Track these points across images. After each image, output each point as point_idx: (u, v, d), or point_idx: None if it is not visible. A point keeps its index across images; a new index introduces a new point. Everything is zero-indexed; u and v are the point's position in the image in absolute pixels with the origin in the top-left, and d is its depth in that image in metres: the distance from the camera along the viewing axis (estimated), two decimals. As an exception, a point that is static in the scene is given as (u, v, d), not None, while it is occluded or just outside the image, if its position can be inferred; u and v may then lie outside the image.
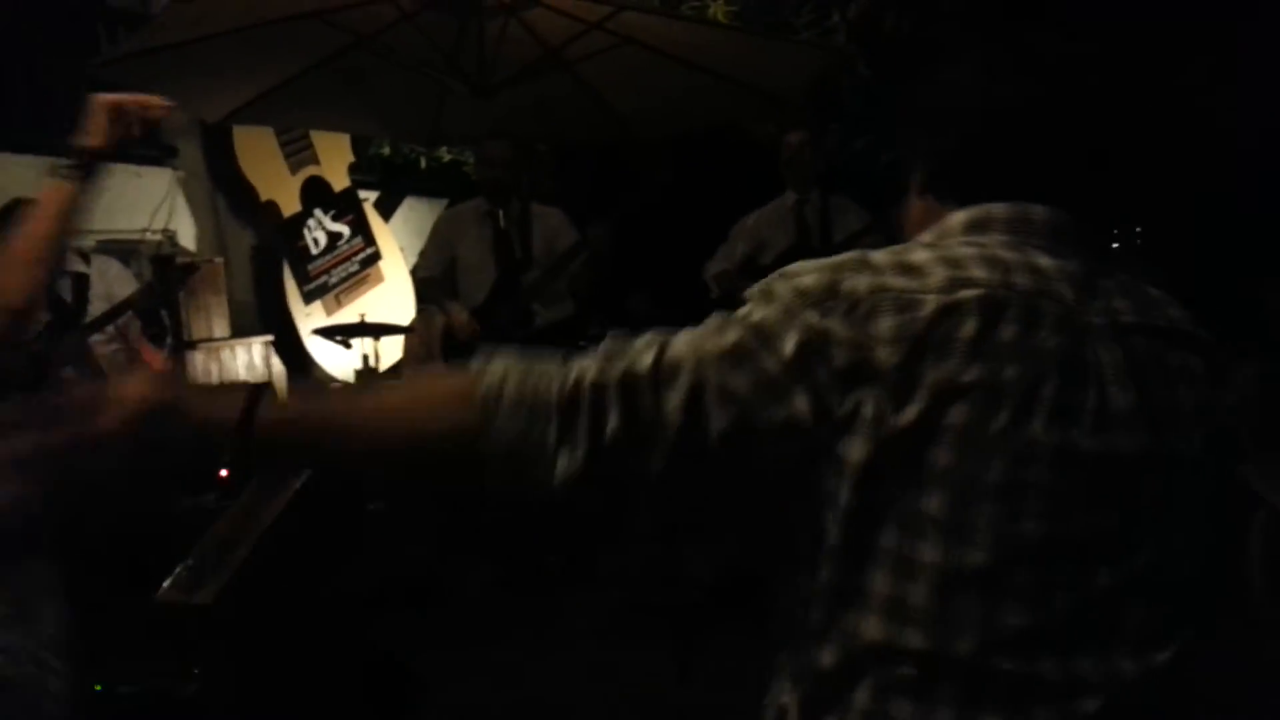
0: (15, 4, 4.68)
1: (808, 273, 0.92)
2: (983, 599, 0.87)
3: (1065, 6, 3.27)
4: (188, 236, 5.58)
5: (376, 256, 6.52)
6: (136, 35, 3.76)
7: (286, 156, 6.10)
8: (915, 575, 0.87)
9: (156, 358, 2.91)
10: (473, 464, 0.91)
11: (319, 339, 4.70)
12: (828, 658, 0.91)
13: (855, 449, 0.87)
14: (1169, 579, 0.90)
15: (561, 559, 4.14)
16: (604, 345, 0.94)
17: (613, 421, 0.89)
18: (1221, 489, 0.93)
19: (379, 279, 6.50)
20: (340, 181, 6.39)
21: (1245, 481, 0.94)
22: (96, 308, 3.61)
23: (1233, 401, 0.93)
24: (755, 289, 0.95)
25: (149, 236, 5.27)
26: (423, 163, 6.92)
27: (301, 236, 6.13)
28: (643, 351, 0.92)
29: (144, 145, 5.37)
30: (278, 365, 5.86)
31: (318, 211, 6.22)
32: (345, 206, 6.39)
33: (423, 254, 4.41)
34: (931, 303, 0.87)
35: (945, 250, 0.93)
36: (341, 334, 4.41)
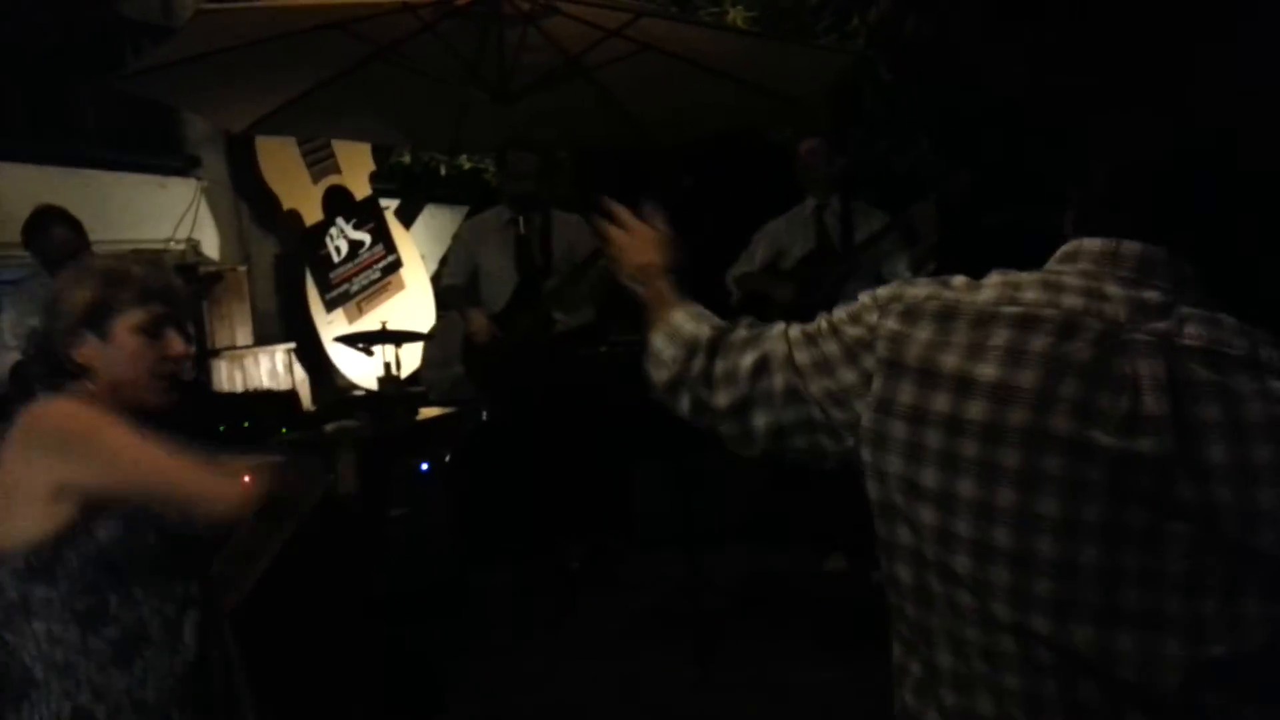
0: (40, 19, 4.75)
1: (890, 286, 1.16)
2: (1012, 570, 1.01)
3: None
4: (211, 246, 5.64)
5: (397, 264, 6.56)
6: (161, 48, 3.80)
7: (308, 166, 6.15)
8: (954, 548, 1.04)
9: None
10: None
11: (341, 346, 4.72)
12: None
13: (895, 429, 1.09)
14: (1205, 581, 0.95)
15: (583, 564, 4.14)
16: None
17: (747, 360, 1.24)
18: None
19: (400, 286, 6.54)
20: (361, 190, 6.44)
21: None
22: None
23: None
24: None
25: (173, 246, 5.34)
26: (443, 171, 6.96)
27: (323, 245, 6.18)
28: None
29: (168, 156, 5.44)
30: (300, 373, 5.90)
31: (339, 220, 6.27)
32: (366, 215, 6.43)
33: (445, 261, 4.44)
34: (969, 312, 1.06)
35: (1018, 275, 1.09)
36: (363, 341, 4.43)
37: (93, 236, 3.73)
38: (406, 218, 6.97)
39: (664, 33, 3.91)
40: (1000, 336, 1.03)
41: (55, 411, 1.44)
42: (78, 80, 4.51)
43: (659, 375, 1.35)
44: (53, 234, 3.56)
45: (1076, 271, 1.07)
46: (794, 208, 4.24)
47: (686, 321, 1.36)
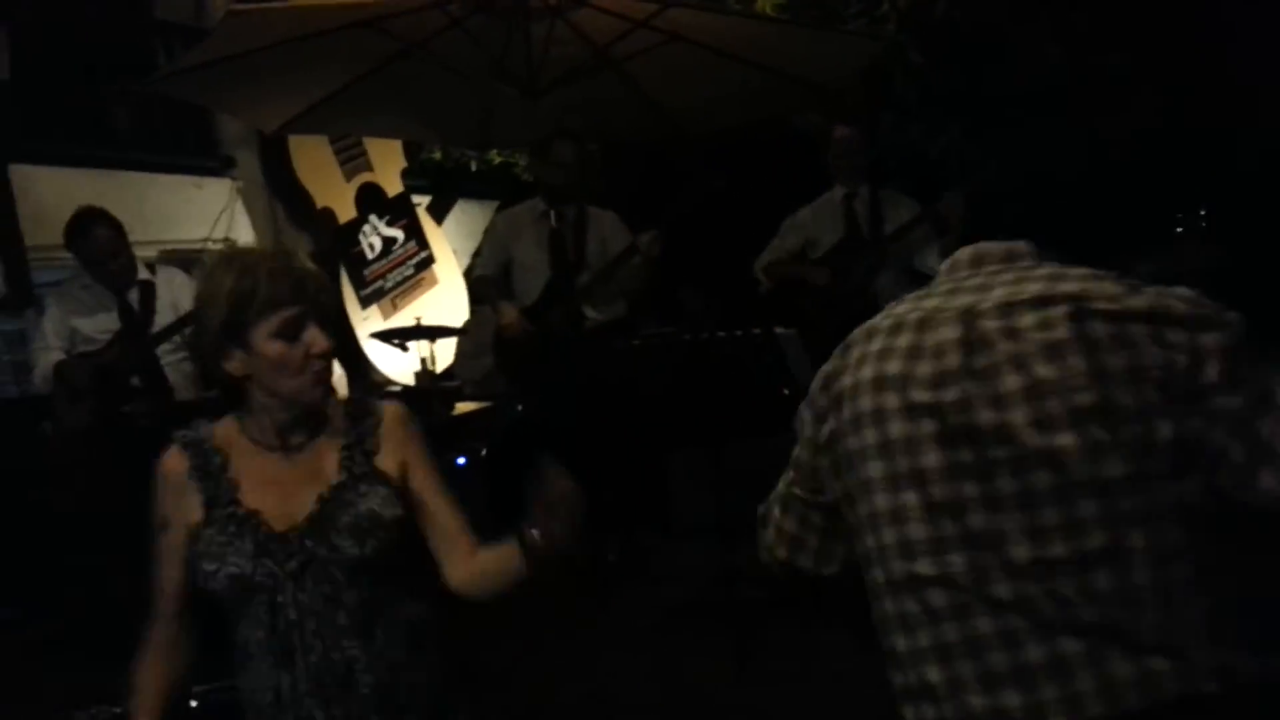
0: (76, 23, 4.82)
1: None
2: (896, 526, 1.19)
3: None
4: (247, 244, 5.70)
5: (430, 260, 6.60)
6: (193, 50, 3.84)
7: (341, 164, 6.21)
8: (865, 532, 1.26)
9: None
10: None
11: (377, 342, 4.76)
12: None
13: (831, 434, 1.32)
14: (1036, 494, 1.10)
15: (618, 556, 4.15)
16: None
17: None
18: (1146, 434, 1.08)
19: (433, 282, 6.58)
20: (394, 187, 6.48)
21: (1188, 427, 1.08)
22: (163, 317, 3.70)
23: (1184, 363, 1.08)
24: None
25: (210, 245, 5.40)
26: (473, 166, 6.99)
27: (357, 242, 6.23)
28: None
29: (203, 156, 5.51)
30: (336, 369, 5.95)
31: (372, 217, 6.32)
32: (399, 211, 6.48)
33: (479, 253, 4.45)
34: (860, 334, 1.30)
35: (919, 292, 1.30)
36: (399, 337, 4.47)
37: (130, 238, 3.79)
38: (438, 213, 7.01)
39: (692, 22, 3.90)
40: (877, 343, 1.27)
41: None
42: (113, 83, 4.58)
43: None
44: (94, 235, 3.61)
45: (966, 276, 1.27)
46: (821, 196, 4.20)
47: None
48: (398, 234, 6.46)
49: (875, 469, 1.21)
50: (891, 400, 1.20)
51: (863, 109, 4.66)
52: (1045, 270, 1.20)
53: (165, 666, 1.54)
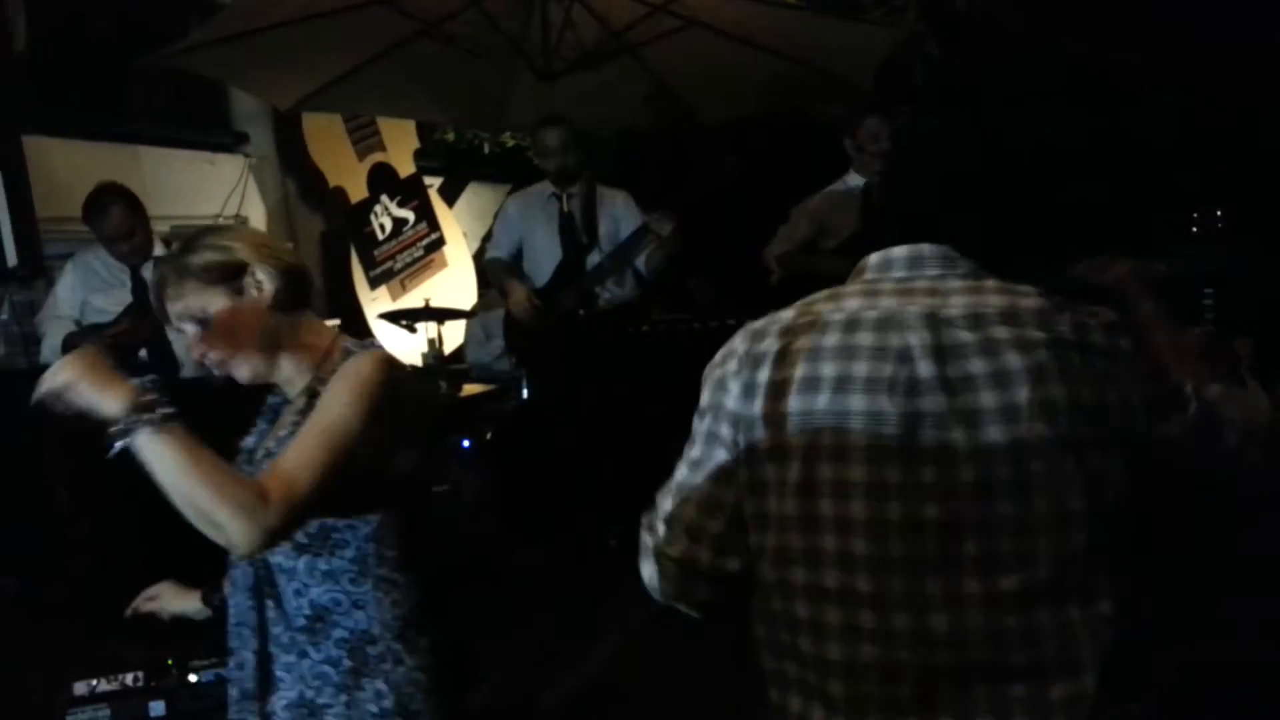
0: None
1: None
2: (836, 533, 1.14)
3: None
4: (258, 222, 5.69)
5: (440, 242, 6.58)
6: (208, 24, 3.83)
7: (354, 143, 6.19)
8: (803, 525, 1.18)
9: None
10: None
11: (385, 323, 4.76)
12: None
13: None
14: (1000, 514, 1.07)
15: (622, 542, 4.14)
16: None
17: None
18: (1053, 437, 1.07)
19: (443, 264, 6.57)
20: (406, 167, 6.46)
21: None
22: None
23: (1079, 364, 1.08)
24: None
25: (221, 222, 5.40)
26: (486, 149, 6.96)
27: (368, 222, 6.22)
28: None
29: (216, 132, 5.50)
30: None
31: (384, 197, 6.30)
32: (410, 192, 6.46)
33: (490, 235, 4.44)
34: (775, 332, 1.23)
35: (829, 292, 1.25)
36: (406, 319, 4.46)
37: (143, 213, 3.77)
38: (449, 195, 6.99)
39: (711, 8, 3.87)
40: (803, 341, 1.20)
41: None
42: (128, 57, 4.56)
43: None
44: (112, 212, 3.62)
45: (875, 280, 1.23)
46: (833, 183, 4.15)
47: None
48: (409, 215, 6.44)
49: (825, 471, 1.15)
50: (857, 403, 1.12)
51: (880, 100, 4.62)
52: (993, 282, 1.16)
53: None
